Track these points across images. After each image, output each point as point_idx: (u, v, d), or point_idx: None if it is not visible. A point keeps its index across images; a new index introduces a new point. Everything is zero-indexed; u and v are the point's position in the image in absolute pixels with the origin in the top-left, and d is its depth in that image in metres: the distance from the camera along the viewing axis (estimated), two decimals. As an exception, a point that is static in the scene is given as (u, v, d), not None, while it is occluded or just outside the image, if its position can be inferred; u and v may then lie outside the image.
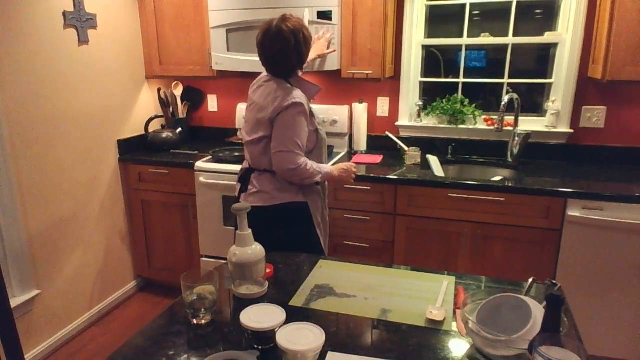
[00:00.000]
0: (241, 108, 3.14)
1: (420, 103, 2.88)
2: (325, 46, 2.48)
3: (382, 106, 2.96)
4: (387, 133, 2.86)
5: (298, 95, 1.80)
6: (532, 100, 2.80)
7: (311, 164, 1.85)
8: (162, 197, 2.89)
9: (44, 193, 2.42)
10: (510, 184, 2.29)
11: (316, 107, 2.98)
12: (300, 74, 1.93)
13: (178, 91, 3.20)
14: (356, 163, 2.65)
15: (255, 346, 1.04)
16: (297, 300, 1.27)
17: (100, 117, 2.76)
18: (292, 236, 1.86)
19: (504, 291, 1.10)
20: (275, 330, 1.01)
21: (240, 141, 2.98)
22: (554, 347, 0.80)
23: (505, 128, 2.57)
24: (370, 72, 2.59)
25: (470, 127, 2.81)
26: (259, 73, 3.05)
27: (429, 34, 2.88)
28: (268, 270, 1.37)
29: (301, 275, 1.42)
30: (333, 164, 2.60)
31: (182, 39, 2.89)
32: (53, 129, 2.44)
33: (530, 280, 1.22)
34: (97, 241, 2.80)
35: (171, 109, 3.22)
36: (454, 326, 1.14)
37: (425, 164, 2.66)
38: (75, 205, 2.62)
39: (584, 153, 2.66)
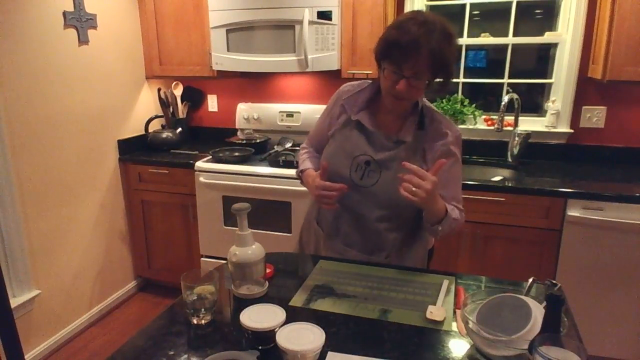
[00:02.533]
0: (241, 108, 3.14)
1: (420, 103, 2.88)
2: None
3: (382, 106, 2.95)
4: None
5: (343, 87, 1.50)
6: (532, 100, 2.80)
7: (300, 154, 1.59)
8: (162, 197, 2.89)
9: (44, 193, 2.42)
10: (510, 184, 2.29)
11: (315, 107, 2.99)
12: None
13: (178, 91, 3.20)
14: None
15: (255, 346, 1.04)
16: (297, 300, 1.27)
17: (100, 117, 2.76)
18: None
19: (504, 291, 1.10)
20: (275, 330, 1.01)
21: (240, 141, 2.97)
22: (554, 347, 0.80)
23: (505, 128, 2.57)
24: (370, 72, 2.58)
25: (470, 127, 2.81)
26: (259, 73, 3.07)
27: (429, 34, 2.87)
28: (268, 270, 1.37)
29: (301, 275, 1.41)
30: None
31: (182, 39, 2.89)
32: (53, 129, 2.44)
33: (530, 280, 1.22)
34: (97, 241, 2.80)
35: (171, 109, 3.22)
36: (454, 326, 1.14)
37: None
38: (75, 205, 2.62)
39: (584, 153, 2.66)
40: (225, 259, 1.31)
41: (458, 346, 1.07)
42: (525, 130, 2.64)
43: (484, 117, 2.82)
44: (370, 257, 1.48)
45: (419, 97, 1.33)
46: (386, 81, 1.28)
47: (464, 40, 2.79)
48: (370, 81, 1.46)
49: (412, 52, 1.18)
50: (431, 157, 1.36)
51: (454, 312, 1.19)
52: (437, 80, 1.27)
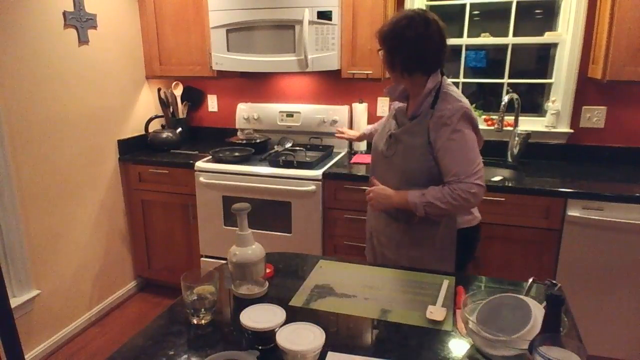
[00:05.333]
0: (241, 108, 3.14)
1: (420, 103, 2.87)
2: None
3: (382, 106, 2.96)
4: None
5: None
6: (532, 100, 2.80)
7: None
8: (162, 197, 2.89)
9: (44, 193, 2.42)
10: (510, 184, 2.29)
11: (315, 107, 2.99)
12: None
13: (178, 91, 3.20)
14: (356, 163, 2.66)
15: (255, 346, 1.04)
16: (297, 300, 1.27)
17: (100, 117, 2.76)
18: None
19: (504, 291, 1.10)
20: (275, 330, 1.01)
21: (240, 141, 2.97)
22: (554, 347, 0.80)
23: (505, 128, 2.57)
24: (370, 72, 2.58)
25: (470, 127, 2.81)
26: (259, 73, 3.07)
27: (429, 34, 2.87)
28: (268, 270, 1.37)
29: (301, 275, 1.42)
30: (333, 164, 2.62)
31: (182, 39, 2.89)
32: (53, 129, 2.44)
33: (530, 280, 1.22)
34: (97, 241, 2.80)
35: (171, 109, 3.22)
36: (454, 326, 1.14)
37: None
38: (75, 205, 2.62)
39: (584, 153, 2.66)
40: (225, 259, 1.31)
41: (458, 346, 1.07)
42: (525, 130, 2.64)
43: (484, 117, 2.82)
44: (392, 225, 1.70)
45: (387, 65, 1.61)
46: None
47: (464, 40, 2.79)
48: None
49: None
50: (430, 126, 1.55)
51: (454, 312, 1.19)
52: (388, 46, 1.56)
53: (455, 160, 1.50)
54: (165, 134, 3.05)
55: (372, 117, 2.96)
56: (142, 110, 3.12)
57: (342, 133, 2.42)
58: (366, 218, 1.88)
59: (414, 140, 1.57)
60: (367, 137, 2.24)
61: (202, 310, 1.15)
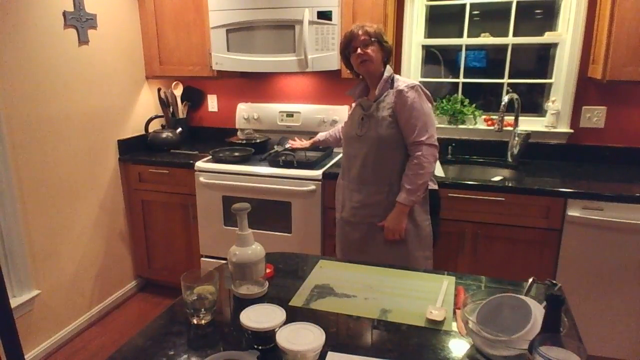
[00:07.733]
0: (241, 108, 3.14)
1: (420, 103, 2.87)
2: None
3: (382, 106, 2.95)
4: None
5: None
6: (532, 100, 2.80)
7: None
8: (162, 197, 2.89)
9: (44, 193, 2.42)
10: (510, 184, 2.29)
11: (315, 107, 2.99)
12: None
13: (178, 91, 3.20)
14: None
15: (255, 346, 1.04)
16: (297, 300, 1.27)
17: (100, 117, 2.76)
18: None
19: (504, 291, 1.10)
20: (275, 330, 1.01)
21: (240, 141, 2.97)
22: (554, 347, 0.80)
23: (505, 128, 2.57)
24: (370, 72, 2.58)
25: (470, 127, 2.81)
26: (259, 73, 3.07)
27: (429, 34, 2.88)
28: (268, 270, 1.37)
29: (301, 275, 1.42)
30: (333, 164, 2.63)
31: (182, 39, 2.89)
32: (53, 129, 2.44)
33: (530, 280, 1.22)
34: (97, 241, 2.80)
35: (171, 109, 3.22)
36: (454, 326, 1.14)
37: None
38: (75, 205, 2.62)
39: (584, 153, 2.66)
40: (225, 259, 1.31)
41: (458, 346, 1.07)
42: (525, 130, 2.64)
43: (484, 117, 2.82)
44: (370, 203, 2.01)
45: (376, 57, 1.91)
46: (356, 60, 1.93)
47: (464, 40, 2.79)
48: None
49: (355, 33, 1.91)
50: (393, 99, 1.91)
51: (454, 312, 1.19)
52: (379, 42, 1.91)
53: (415, 125, 1.87)
54: (165, 134, 3.05)
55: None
56: (142, 110, 3.12)
57: (295, 142, 2.61)
58: (336, 208, 2.21)
59: (382, 114, 1.92)
60: (321, 143, 2.51)
61: (202, 310, 1.15)
